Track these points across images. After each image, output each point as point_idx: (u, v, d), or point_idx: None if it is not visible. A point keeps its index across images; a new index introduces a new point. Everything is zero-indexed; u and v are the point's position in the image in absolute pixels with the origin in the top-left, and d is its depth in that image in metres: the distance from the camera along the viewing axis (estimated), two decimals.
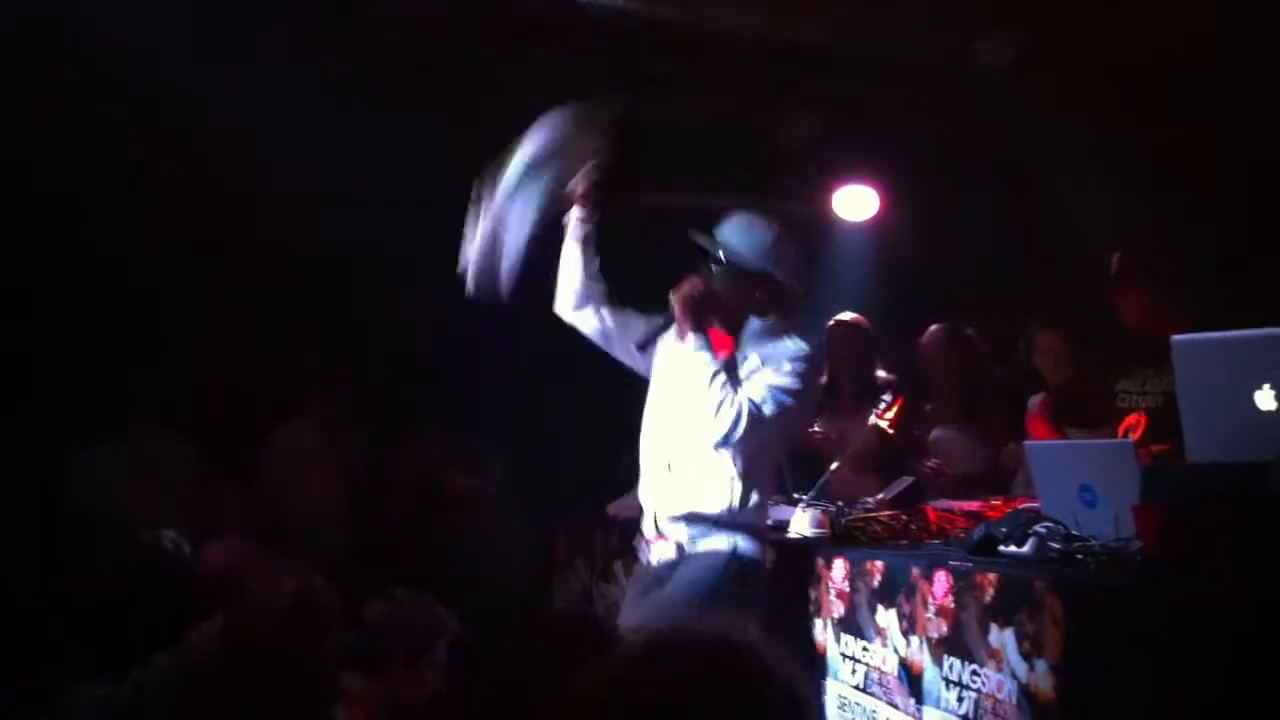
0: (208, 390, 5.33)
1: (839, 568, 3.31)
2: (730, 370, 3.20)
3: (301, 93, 4.59)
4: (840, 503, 3.77)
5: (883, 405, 4.22)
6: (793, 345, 3.28)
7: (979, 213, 5.90)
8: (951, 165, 5.81)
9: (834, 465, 3.94)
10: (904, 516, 3.57)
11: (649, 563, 3.35)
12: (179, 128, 4.67)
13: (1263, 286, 4.40)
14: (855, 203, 6.30)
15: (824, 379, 3.40)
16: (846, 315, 5.04)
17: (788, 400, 3.18)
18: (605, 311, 3.48)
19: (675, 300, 3.24)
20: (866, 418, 4.39)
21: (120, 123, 4.68)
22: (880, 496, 3.86)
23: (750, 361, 3.25)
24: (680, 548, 3.26)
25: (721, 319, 3.29)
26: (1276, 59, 4.50)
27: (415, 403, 5.80)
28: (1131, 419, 3.87)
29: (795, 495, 3.85)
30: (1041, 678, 2.46)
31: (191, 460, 5.21)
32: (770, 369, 3.21)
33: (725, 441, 3.14)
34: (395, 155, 5.10)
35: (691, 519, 3.25)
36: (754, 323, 3.32)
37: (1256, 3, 4.43)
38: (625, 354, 3.49)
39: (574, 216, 3.46)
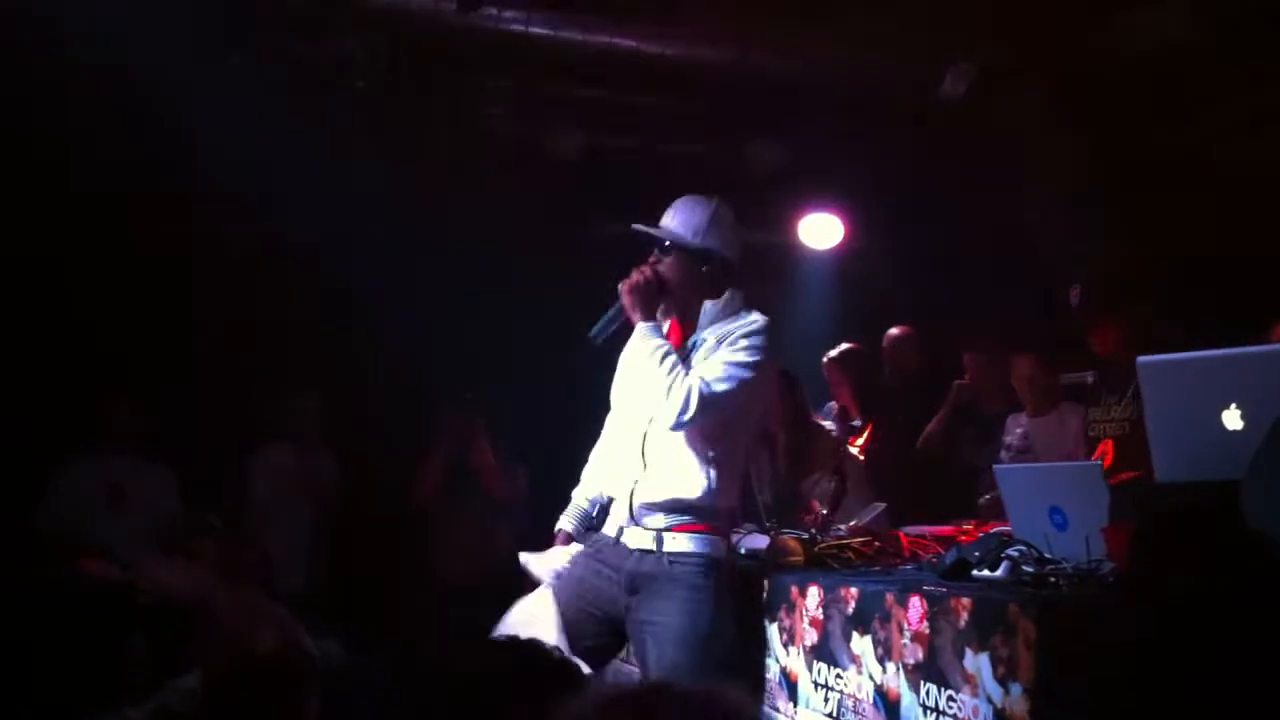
0: (188, 418, 5.29)
1: (813, 594, 3.30)
2: (682, 352, 3.18)
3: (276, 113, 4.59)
4: (813, 529, 3.76)
5: (853, 432, 4.24)
6: (748, 319, 3.24)
7: (943, 239, 5.95)
8: (915, 192, 5.87)
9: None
10: (876, 542, 3.57)
11: (620, 542, 3.27)
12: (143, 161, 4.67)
13: (1227, 304, 4.48)
14: (820, 231, 6.35)
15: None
16: (835, 351, 5.09)
17: (744, 374, 3.13)
18: None
19: (623, 290, 3.23)
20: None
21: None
22: (853, 523, 3.86)
23: (708, 343, 3.23)
24: (659, 539, 3.21)
25: (674, 305, 3.29)
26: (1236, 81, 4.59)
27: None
28: (1101, 448, 3.91)
29: (768, 523, 3.84)
30: (1016, 701, 2.45)
31: (170, 489, 5.15)
32: (726, 347, 3.18)
33: (679, 422, 3.09)
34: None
35: (670, 507, 3.21)
36: (709, 306, 3.29)
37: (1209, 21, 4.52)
38: None
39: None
